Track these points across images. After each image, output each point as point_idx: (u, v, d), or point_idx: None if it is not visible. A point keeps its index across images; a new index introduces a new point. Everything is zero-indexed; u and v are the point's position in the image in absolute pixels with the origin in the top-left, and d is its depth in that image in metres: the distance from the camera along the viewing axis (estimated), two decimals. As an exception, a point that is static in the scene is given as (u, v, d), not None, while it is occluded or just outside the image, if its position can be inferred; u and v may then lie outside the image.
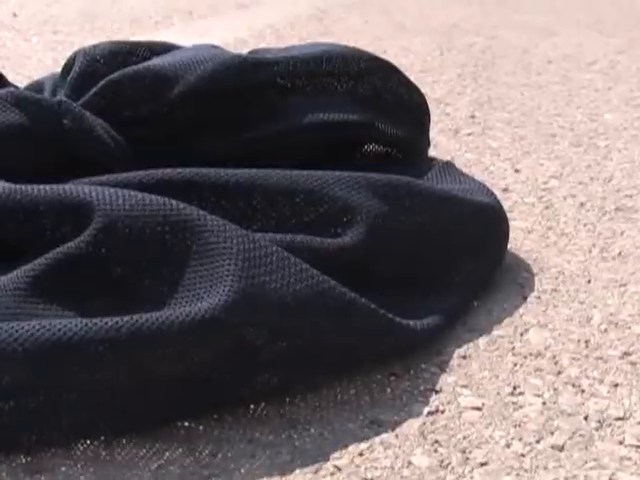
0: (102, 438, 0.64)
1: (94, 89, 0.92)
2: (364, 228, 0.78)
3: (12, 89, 0.89)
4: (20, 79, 1.69)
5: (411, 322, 0.74)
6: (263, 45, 2.13)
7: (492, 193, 0.95)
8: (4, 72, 1.73)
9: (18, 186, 0.73)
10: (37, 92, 1.00)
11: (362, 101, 1.00)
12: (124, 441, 0.64)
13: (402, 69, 1.87)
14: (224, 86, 0.94)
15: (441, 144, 1.36)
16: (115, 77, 0.92)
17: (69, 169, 0.85)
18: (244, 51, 2.04)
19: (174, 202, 0.71)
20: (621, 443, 0.66)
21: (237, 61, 0.95)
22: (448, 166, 1.02)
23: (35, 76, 1.73)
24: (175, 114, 0.92)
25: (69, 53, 1.92)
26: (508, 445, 0.65)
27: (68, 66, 1.01)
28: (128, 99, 0.92)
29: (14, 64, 1.82)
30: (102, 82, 0.92)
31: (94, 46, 1.01)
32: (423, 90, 1.68)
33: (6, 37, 2.07)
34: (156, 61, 0.95)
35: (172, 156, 0.92)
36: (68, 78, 0.97)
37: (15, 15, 2.35)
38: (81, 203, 0.71)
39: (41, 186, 0.73)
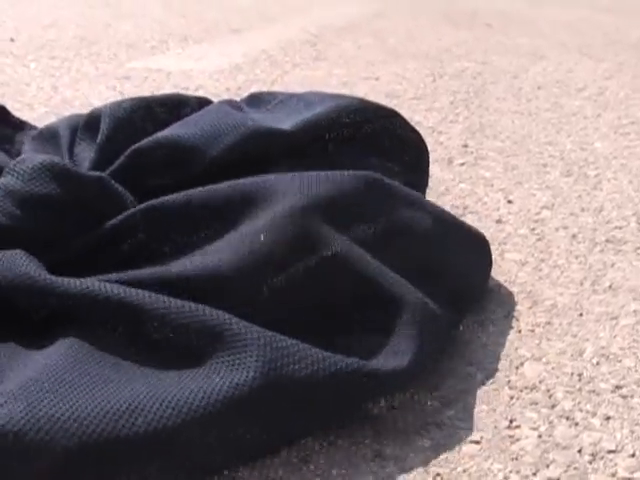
0: None
1: (121, 158, 0.95)
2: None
3: (55, 159, 0.89)
4: (20, 107, 1.72)
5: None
6: (258, 71, 2.17)
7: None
8: (4, 100, 1.77)
9: (57, 278, 0.76)
10: (52, 138, 1.03)
11: (370, 154, 1.04)
12: None
13: (395, 96, 1.92)
14: (245, 157, 0.97)
15: (435, 174, 1.40)
16: (140, 147, 0.95)
17: (95, 240, 0.88)
18: (239, 77, 2.08)
19: (207, 309, 0.74)
20: (614, 476, 0.69)
21: (257, 132, 0.98)
22: None
23: (35, 104, 1.76)
24: (197, 185, 0.95)
25: (67, 79, 1.97)
26: (506, 478, 0.69)
27: (91, 122, 1.04)
28: (152, 169, 0.95)
29: (14, 91, 1.85)
30: (128, 151, 0.95)
31: (117, 105, 1.04)
32: (416, 118, 1.73)
33: (5, 63, 2.11)
34: (179, 131, 0.98)
35: None
36: (97, 141, 1.00)
37: (12, 40, 2.39)
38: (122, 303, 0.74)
39: (77, 281, 0.76)
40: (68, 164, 0.91)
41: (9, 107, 1.72)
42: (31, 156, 0.91)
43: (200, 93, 1.90)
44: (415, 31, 2.90)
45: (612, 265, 1.09)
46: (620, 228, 1.21)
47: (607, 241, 1.16)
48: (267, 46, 2.50)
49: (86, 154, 1.03)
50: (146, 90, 1.90)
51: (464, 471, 0.69)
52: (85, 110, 1.67)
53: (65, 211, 0.86)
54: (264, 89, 1.96)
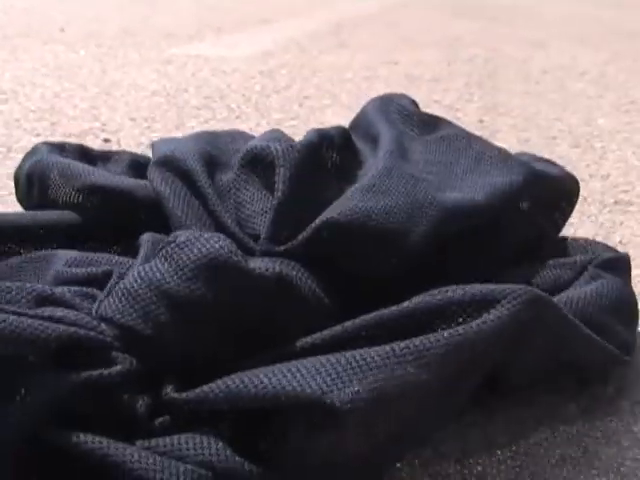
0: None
1: (307, 231, 0.65)
2: None
3: (222, 244, 0.57)
4: (74, 87, 1.74)
5: None
6: (287, 57, 2.18)
7: None
8: (61, 81, 1.79)
9: None
10: (183, 179, 0.72)
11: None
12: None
13: (414, 78, 1.93)
14: (446, 239, 0.70)
15: (455, 146, 1.41)
16: (334, 219, 0.65)
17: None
18: (270, 62, 2.09)
19: None
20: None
21: (452, 212, 0.71)
22: None
23: (88, 84, 1.78)
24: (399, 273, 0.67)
25: (114, 64, 1.99)
26: None
27: (255, 161, 0.72)
28: (350, 250, 0.66)
29: (68, 73, 1.87)
30: (317, 222, 0.65)
31: (290, 145, 0.71)
32: (435, 97, 1.74)
33: (58, 50, 2.12)
34: (373, 202, 0.68)
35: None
36: (275, 200, 0.67)
37: (63, 30, 2.40)
38: None
39: None
40: (238, 255, 0.57)
41: (65, 87, 1.75)
42: (189, 236, 0.58)
43: (236, 75, 1.91)
44: (428, 22, 2.90)
45: (621, 223, 1.10)
46: (626, 192, 1.22)
47: (615, 203, 1.17)
48: (295, 34, 2.51)
49: (256, 207, 0.70)
50: (187, 72, 1.92)
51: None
52: (133, 92, 1.69)
53: (233, 319, 0.57)
54: (294, 72, 1.98)
